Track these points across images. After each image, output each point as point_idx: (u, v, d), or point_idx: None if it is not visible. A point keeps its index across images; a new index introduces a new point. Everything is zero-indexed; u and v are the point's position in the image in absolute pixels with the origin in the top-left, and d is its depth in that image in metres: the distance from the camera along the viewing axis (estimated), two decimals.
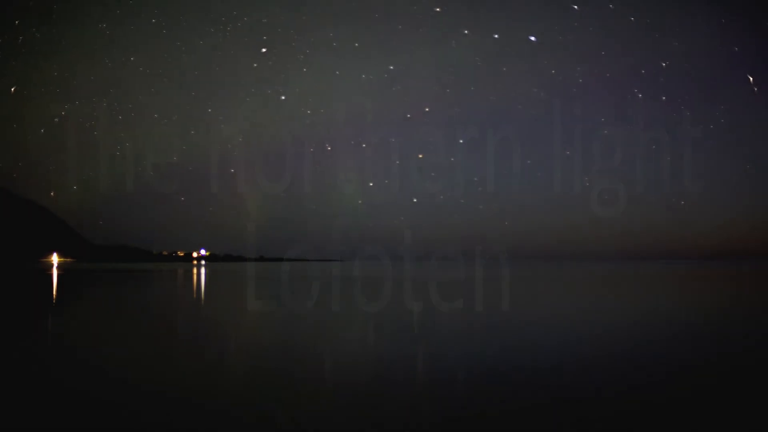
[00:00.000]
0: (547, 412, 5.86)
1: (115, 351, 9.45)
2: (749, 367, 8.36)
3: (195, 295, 25.09)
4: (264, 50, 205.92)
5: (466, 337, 11.42)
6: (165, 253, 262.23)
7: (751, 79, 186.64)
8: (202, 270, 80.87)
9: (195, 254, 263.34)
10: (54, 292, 25.24)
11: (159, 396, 6.49)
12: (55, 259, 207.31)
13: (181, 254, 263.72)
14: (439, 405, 6.14)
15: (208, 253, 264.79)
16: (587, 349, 9.97)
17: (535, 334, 11.87)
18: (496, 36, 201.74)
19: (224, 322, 14.57)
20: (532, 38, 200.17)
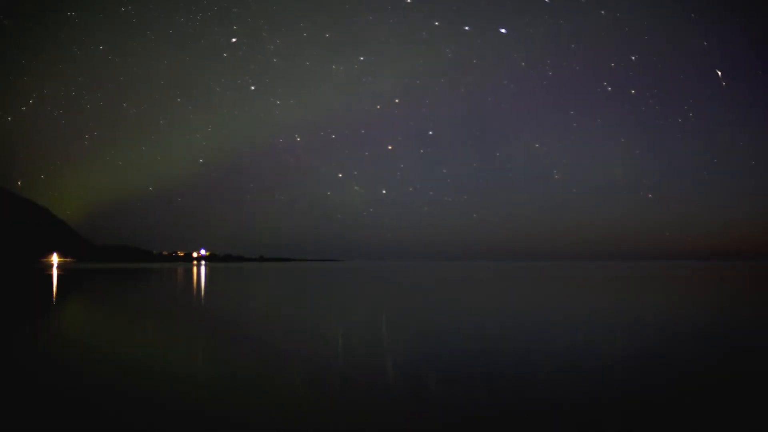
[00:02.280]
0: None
1: (119, 347, 9.46)
2: None
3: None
4: (234, 40, 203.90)
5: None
6: (165, 253, 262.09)
7: (719, 73, 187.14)
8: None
9: (195, 254, 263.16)
10: (57, 291, 25.24)
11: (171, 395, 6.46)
12: (55, 259, 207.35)
13: (181, 254, 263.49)
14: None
15: (208, 253, 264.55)
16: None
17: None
18: (467, 28, 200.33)
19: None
20: (503, 30, 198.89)
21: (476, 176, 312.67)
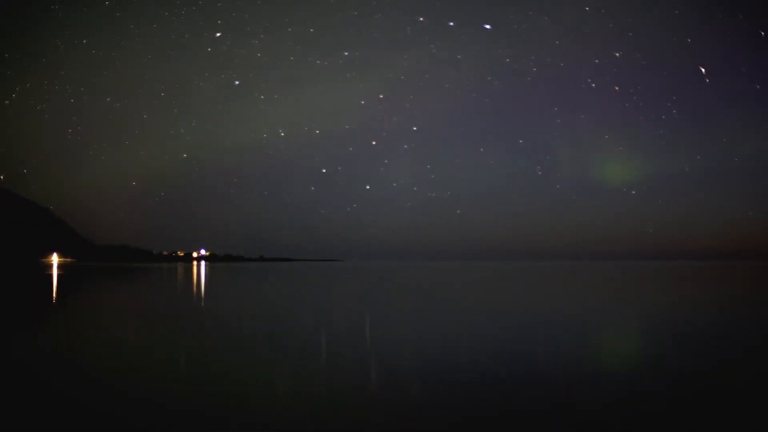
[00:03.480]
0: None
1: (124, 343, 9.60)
2: None
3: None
4: (218, 35, 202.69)
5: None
6: (165, 253, 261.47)
7: (702, 70, 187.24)
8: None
9: (195, 254, 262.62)
10: (58, 290, 25.33)
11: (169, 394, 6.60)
12: (55, 259, 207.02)
13: (181, 254, 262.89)
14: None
15: (208, 253, 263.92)
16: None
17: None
18: (452, 24, 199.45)
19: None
20: (487, 26, 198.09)
21: (460, 172, 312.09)
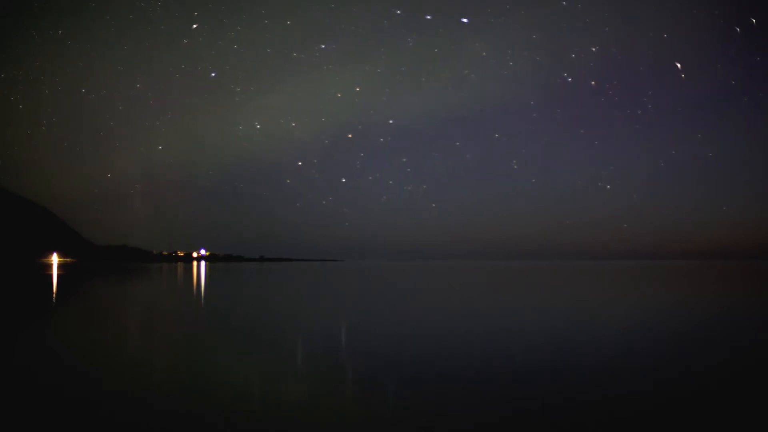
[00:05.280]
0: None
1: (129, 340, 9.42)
2: None
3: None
4: (195, 26, 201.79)
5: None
6: (165, 253, 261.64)
7: (678, 65, 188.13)
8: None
9: (195, 254, 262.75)
10: (58, 290, 25.18)
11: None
12: (55, 258, 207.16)
13: (181, 254, 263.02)
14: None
15: (208, 253, 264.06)
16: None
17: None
18: (429, 17, 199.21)
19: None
20: (464, 20, 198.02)
21: (436, 165, 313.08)
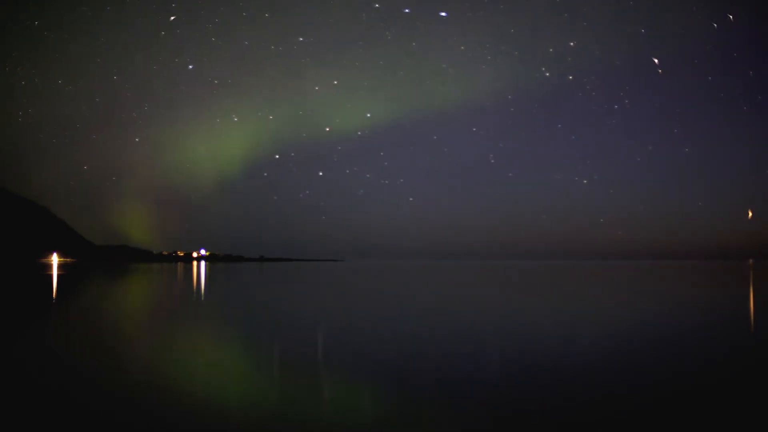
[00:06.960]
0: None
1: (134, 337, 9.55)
2: None
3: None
4: (172, 18, 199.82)
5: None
6: (165, 253, 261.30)
7: (656, 61, 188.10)
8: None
9: (195, 254, 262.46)
10: (58, 289, 25.25)
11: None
12: (55, 259, 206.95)
13: (181, 254, 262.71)
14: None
15: (208, 253, 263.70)
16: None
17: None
18: (407, 10, 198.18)
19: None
20: (443, 14, 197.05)
21: (413, 160, 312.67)
